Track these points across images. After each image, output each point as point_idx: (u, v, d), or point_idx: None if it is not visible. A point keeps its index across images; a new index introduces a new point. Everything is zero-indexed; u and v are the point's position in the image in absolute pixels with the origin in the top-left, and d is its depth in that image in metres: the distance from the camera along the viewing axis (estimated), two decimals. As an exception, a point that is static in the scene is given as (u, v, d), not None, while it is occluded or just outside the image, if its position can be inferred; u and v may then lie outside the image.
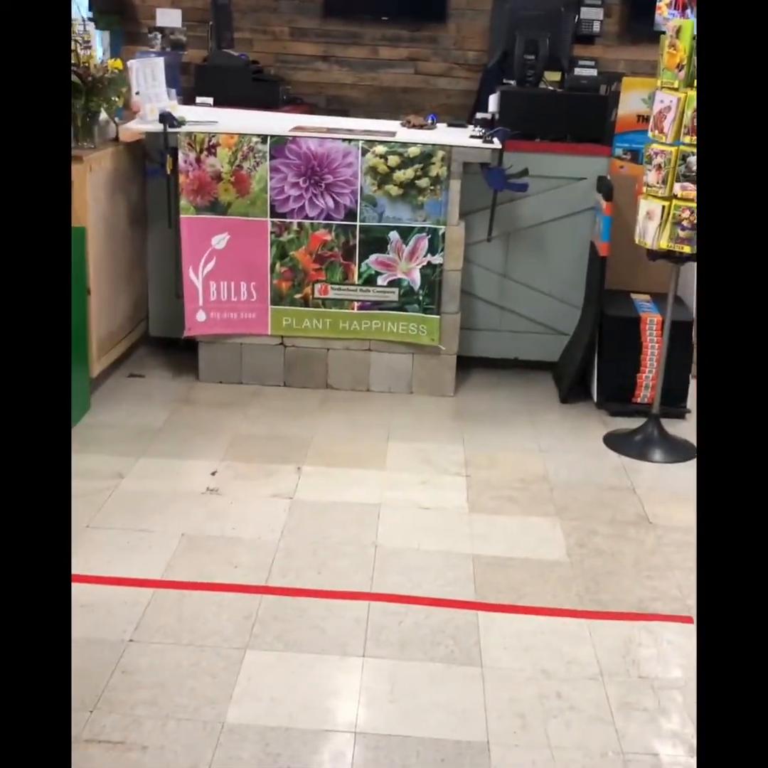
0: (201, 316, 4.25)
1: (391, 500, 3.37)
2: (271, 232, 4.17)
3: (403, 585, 2.83)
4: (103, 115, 4.01)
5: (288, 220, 4.16)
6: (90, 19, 5.71)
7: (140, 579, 2.77)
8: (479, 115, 4.58)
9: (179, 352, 4.47)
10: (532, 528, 3.23)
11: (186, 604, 2.67)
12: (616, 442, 3.92)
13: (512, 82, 4.58)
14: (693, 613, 2.74)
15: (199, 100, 5.45)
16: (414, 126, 4.50)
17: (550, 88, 4.59)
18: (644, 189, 3.60)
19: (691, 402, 4.23)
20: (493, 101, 4.52)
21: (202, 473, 3.48)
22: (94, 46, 4.22)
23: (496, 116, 4.44)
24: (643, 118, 4.19)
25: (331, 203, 4.14)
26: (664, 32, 3.49)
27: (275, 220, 4.16)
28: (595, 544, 3.13)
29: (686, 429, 4.06)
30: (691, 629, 2.67)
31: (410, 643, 2.55)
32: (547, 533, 3.19)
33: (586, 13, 5.91)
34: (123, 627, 2.54)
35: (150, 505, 3.21)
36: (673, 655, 2.56)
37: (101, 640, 2.48)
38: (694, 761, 2.16)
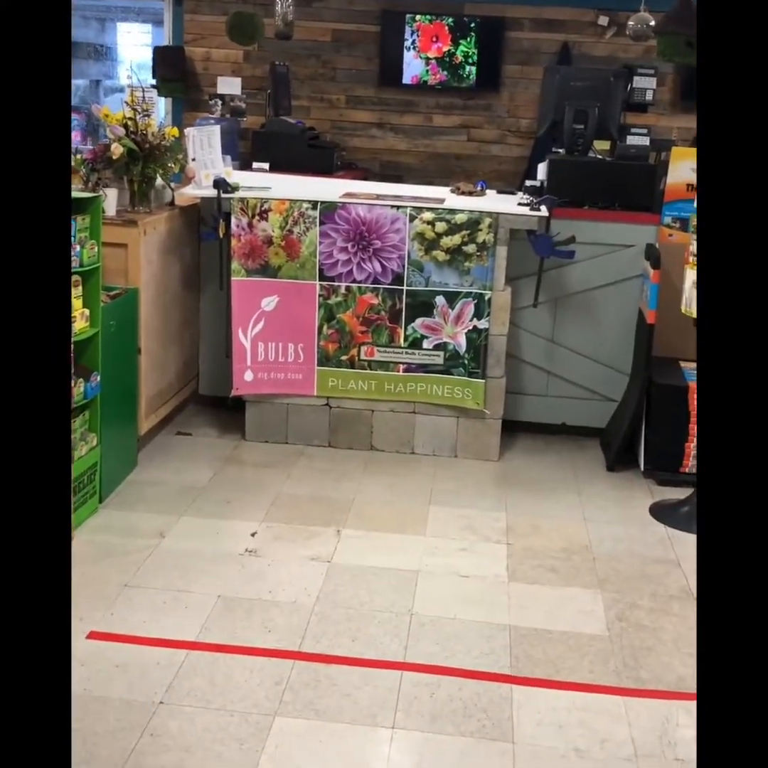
0: (248, 376, 4.32)
1: (430, 567, 3.34)
2: (320, 295, 4.24)
3: (438, 655, 2.80)
4: (160, 181, 4.14)
5: (336, 284, 4.22)
6: (153, 87, 5.95)
7: (175, 640, 2.77)
8: (528, 183, 4.63)
9: (227, 411, 4.53)
10: (571, 599, 3.17)
11: (218, 667, 2.67)
12: (662, 512, 3.85)
13: (562, 150, 4.62)
14: (736, 695, 2.65)
15: (255, 165, 5.60)
16: (463, 192, 4.56)
17: (599, 156, 4.62)
18: (691, 258, 3.58)
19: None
20: (541, 169, 4.56)
21: (242, 534, 3.50)
22: (156, 113, 4.38)
23: (545, 184, 4.48)
24: (693, 187, 4.19)
25: (378, 268, 4.20)
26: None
27: (324, 283, 4.23)
28: (636, 618, 3.06)
29: (735, 501, 3.97)
30: (733, 712, 2.58)
31: (441, 716, 2.51)
32: (587, 605, 3.13)
33: (638, 81, 5.96)
34: (155, 689, 2.55)
35: (189, 566, 3.23)
36: (713, 738, 2.47)
37: (132, 702, 2.49)
38: None
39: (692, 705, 2.61)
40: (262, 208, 4.17)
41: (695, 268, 3.56)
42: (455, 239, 4.12)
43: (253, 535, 3.50)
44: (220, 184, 4.14)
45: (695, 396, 4.06)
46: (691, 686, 2.69)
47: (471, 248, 4.14)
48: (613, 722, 2.53)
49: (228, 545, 3.41)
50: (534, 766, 2.34)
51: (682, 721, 2.54)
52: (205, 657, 2.71)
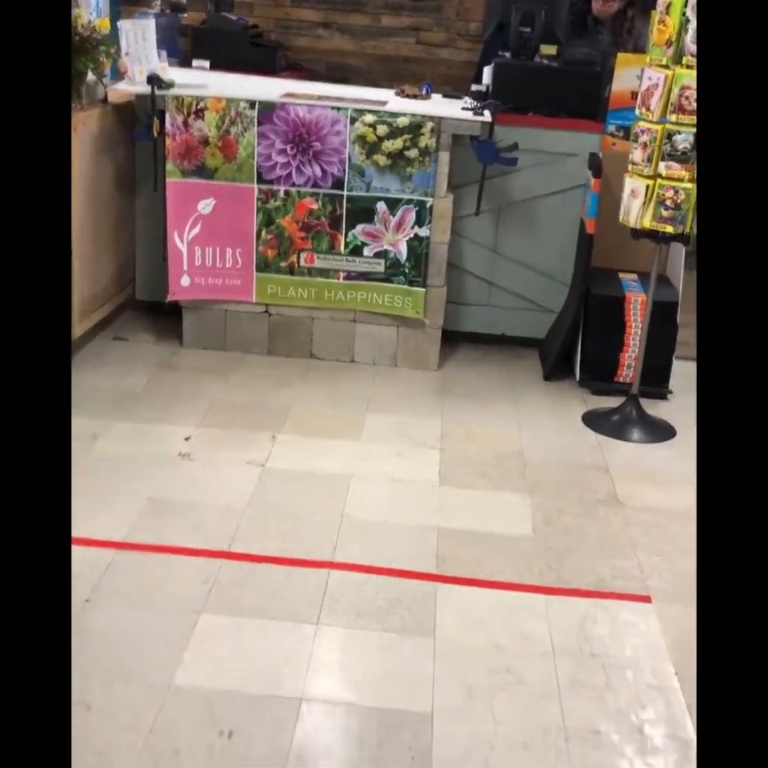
0: (185, 281, 4.24)
1: (363, 471, 3.37)
2: (258, 199, 4.15)
3: (366, 555, 2.84)
4: (91, 76, 3.98)
5: (275, 188, 4.13)
6: (89, -22, 5.66)
7: (102, 540, 2.78)
8: (474, 87, 4.53)
9: (164, 317, 4.46)
10: (500, 504, 3.23)
11: (146, 566, 2.69)
12: (594, 420, 3.91)
13: (508, 54, 4.52)
14: (651, 593, 2.74)
15: (195, 63, 5.39)
16: (407, 95, 4.46)
17: (545, 61, 4.53)
18: (629, 167, 3.56)
19: (674, 383, 4.21)
20: (487, 73, 4.46)
21: (176, 438, 3.49)
22: (89, 4, 4.18)
23: (490, 88, 4.39)
24: (636, 95, 4.13)
25: (318, 171, 4.11)
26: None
27: (262, 186, 4.13)
28: (562, 521, 3.13)
29: (667, 410, 4.04)
30: (648, 609, 2.67)
31: (366, 613, 2.57)
32: (515, 509, 3.19)
33: (591, -15, 5.79)
34: (81, 588, 2.56)
35: (120, 468, 3.22)
36: (627, 633, 2.56)
37: (58, 600, 2.50)
38: (636, 740, 2.17)
39: (609, 603, 2.69)
40: (198, 107, 4.04)
41: (634, 176, 3.54)
42: (397, 143, 4.04)
43: (187, 439, 3.49)
44: (154, 80, 3.99)
45: (630, 307, 4.09)
46: (610, 586, 2.78)
47: (413, 153, 4.06)
48: (533, 620, 2.61)
49: (161, 449, 3.40)
50: (453, 661, 2.41)
51: (600, 619, 2.62)
52: (133, 557, 2.72)
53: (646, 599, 2.71)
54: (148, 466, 3.26)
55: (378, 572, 2.76)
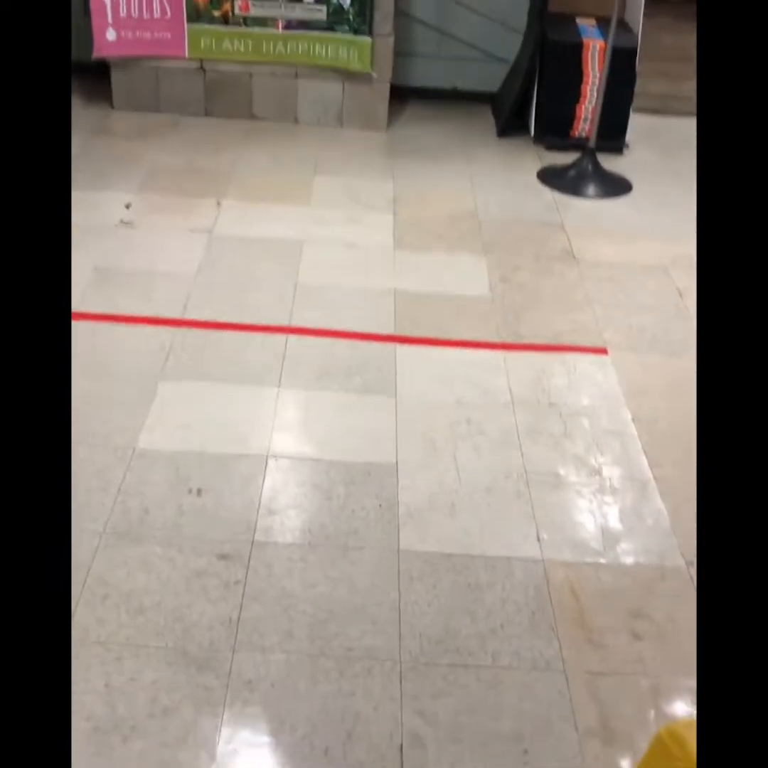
0: (111, 34, 3.90)
1: (315, 237, 3.27)
2: (184, -63, 3.75)
3: (323, 320, 2.80)
4: None
5: (202, -77, 3.73)
6: None
7: (50, 312, 2.69)
8: None
9: (91, 77, 4.13)
10: (457, 264, 3.18)
11: (98, 336, 2.62)
12: (550, 177, 3.81)
13: None
14: (607, 345, 2.77)
15: None
16: None
17: None
18: None
19: (630, 137, 4.08)
20: None
21: (116, 206, 3.33)
22: None
23: None
24: None
25: None
26: None
27: None
28: (518, 279, 3.10)
29: (622, 165, 3.95)
30: (605, 360, 2.71)
31: (326, 375, 2.56)
32: (472, 269, 3.15)
33: None
34: (33, 359, 2.49)
35: (60, 238, 3.07)
36: (584, 384, 2.60)
37: (10, 372, 2.44)
38: (594, 481, 2.26)
39: (566, 356, 2.72)
40: None
41: None
42: None
43: (127, 206, 3.33)
44: None
45: (588, 54, 3.89)
46: (567, 340, 2.80)
47: None
48: (492, 374, 2.63)
49: (101, 217, 3.24)
50: (416, 416, 2.43)
51: (557, 371, 2.65)
52: (84, 326, 2.65)
53: (603, 351, 2.74)
54: (89, 235, 3.11)
55: (336, 335, 2.73)
